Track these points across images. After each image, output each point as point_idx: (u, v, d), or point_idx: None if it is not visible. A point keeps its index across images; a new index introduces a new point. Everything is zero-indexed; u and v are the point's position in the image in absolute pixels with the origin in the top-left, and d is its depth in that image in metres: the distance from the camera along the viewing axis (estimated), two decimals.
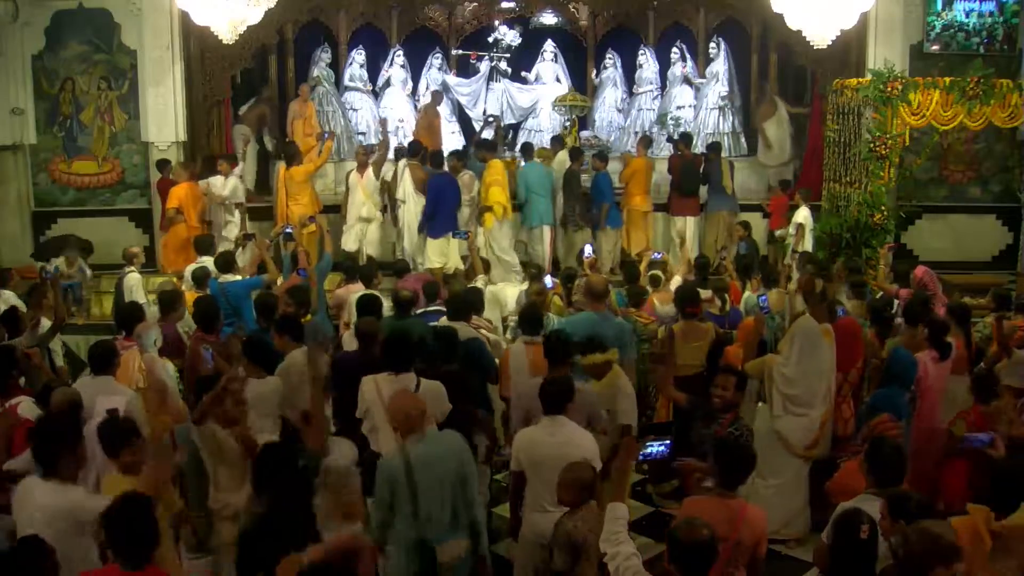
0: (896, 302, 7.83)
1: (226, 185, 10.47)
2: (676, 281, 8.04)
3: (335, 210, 11.45)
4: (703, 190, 11.39)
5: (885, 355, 6.28)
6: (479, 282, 7.79)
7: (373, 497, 4.97)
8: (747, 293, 8.07)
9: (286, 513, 3.66)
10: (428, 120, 12.61)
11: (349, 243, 10.61)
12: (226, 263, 8.24)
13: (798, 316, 6.30)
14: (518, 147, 12.78)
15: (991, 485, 4.19)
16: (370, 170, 10.50)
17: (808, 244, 10.43)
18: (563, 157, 11.28)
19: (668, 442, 3.85)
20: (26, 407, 5.08)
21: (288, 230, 9.10)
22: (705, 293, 7.48)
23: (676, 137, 11.99)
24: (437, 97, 13.19)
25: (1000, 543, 3.76)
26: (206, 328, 6.41)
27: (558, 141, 11.87)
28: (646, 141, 11.79)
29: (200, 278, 7.93)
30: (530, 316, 6.10)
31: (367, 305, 6.40)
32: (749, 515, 3.95)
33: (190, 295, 7.67)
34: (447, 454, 4.29)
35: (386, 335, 5.51)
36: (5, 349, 5.79)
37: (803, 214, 10.55)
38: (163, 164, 10.91)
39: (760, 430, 5.62)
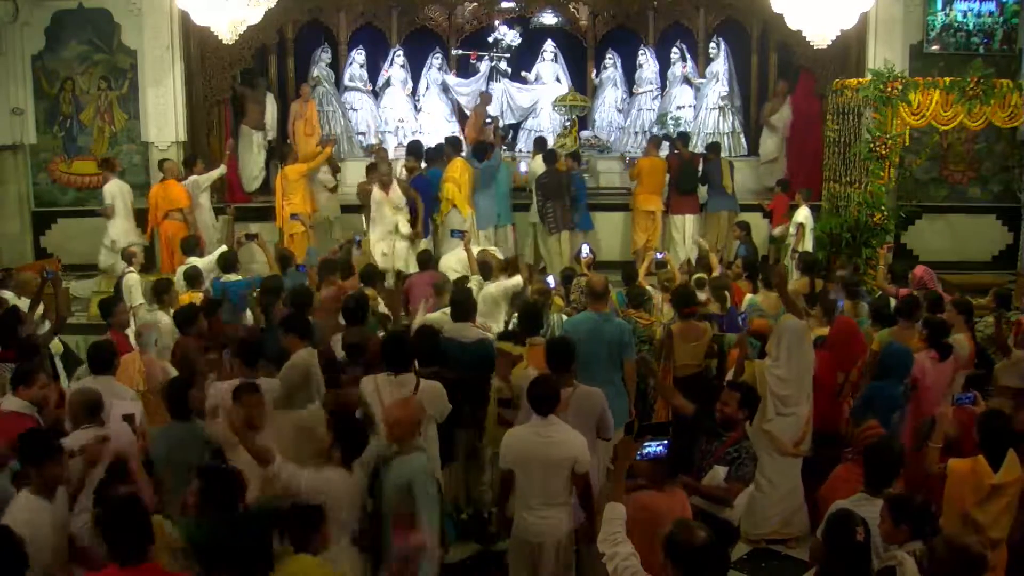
0: (895, 302, 7.84)
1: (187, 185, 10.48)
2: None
3: None
4: (703, 190, 11.39)
5: (876, 347, 6.28)
6: (473, 283, 7.75)
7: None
8: (749, 296, 8.05)
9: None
10: (478, 121, 12.71)
11: (377, 258, 10.21)
12: (228, 263, 8.25)
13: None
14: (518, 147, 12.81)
15: (979, 440, 4.56)
16: (395, 185, 10.23)
17: (808, 244, 10.42)
18: (539, 160, 11.13)
19: (666, 442, 3.83)
20: (10, 401, 5.07)
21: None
22: (701, 296, 7.47)
23: (674, 136, 12.00)
24: (486, 98, 13.19)
25: (994, 489, 4.34)
26: (185, 332, 6.45)
27: (540, 144, 11.79)
28: (656, 141, 11.76)
29: (192, 277, 7.92)
30: (530, 316, 6.06)
31: (352, 308, 6.28)
32: (685, 500, 4.14)
33: (186, 296, 7.67)
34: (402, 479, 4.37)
35: (385, 336, 5.51)
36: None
37: (803, 214, 10.55)
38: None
39: (751, 433, 5.61)
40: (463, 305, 6.27)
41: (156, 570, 3.40)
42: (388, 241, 10.25)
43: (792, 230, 10.62)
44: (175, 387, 4.94)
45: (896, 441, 4.71)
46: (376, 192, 10.17)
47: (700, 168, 11.31)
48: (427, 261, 8.71)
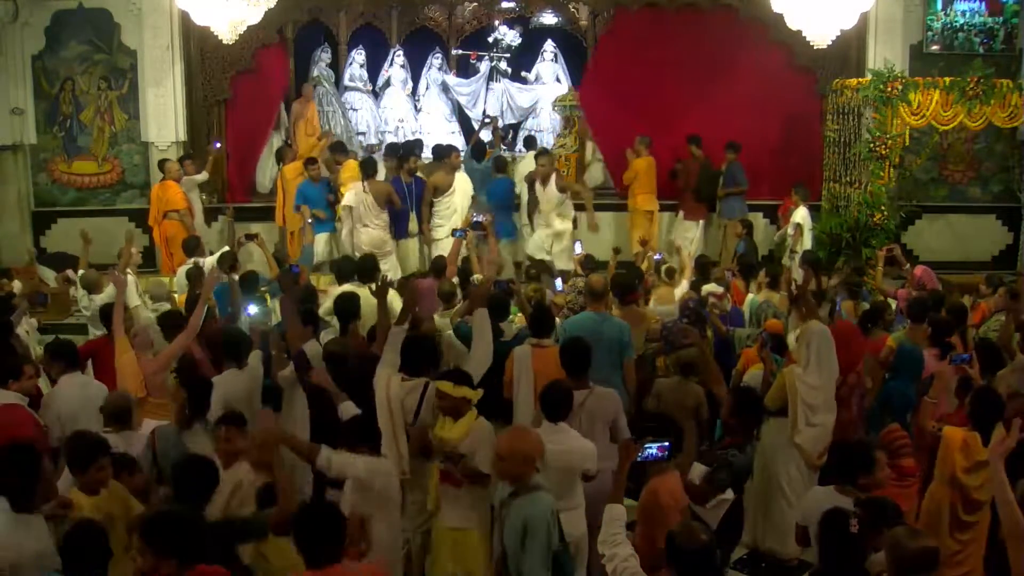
0: (895, 303, 7.84)
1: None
2: (684, 287, 7.91)
3: None
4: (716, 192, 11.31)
5: (892, 343, 6.29)
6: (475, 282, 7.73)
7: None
8: (750, 296, 8.04)
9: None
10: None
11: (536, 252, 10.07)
12: (226, 264, 8.22)
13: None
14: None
15: (969, 409, 4.81)
16: (553, 179, 10.01)
17: (808, 244, 10.40)
18: (531, 158, 10.99)
19: (667, 444, 3.84)
20: (1, 395, 5.08)
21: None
22: (717, 289, 7.46)
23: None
24: None
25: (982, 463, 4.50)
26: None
27: (530, 143, 11.69)
28: (647, 141, 11.70)
29: (195, 278, 7.91)
30: (540, 318, 5.91)
31: (346, 305, 6.25)
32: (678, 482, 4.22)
33: (185, 297, 7.66)
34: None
35: (407, 338, 5.43)
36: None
37: (801, 214, 10.50)
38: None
39: (773, 445, 5.53)
40: (498, 306, 6.18)
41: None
42: (548, 240, 10.03)
43: (790, 231, 10.60)
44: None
45: (868, 440, 4.74)
46: (537, 187, 9.97)
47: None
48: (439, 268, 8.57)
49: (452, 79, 14.23)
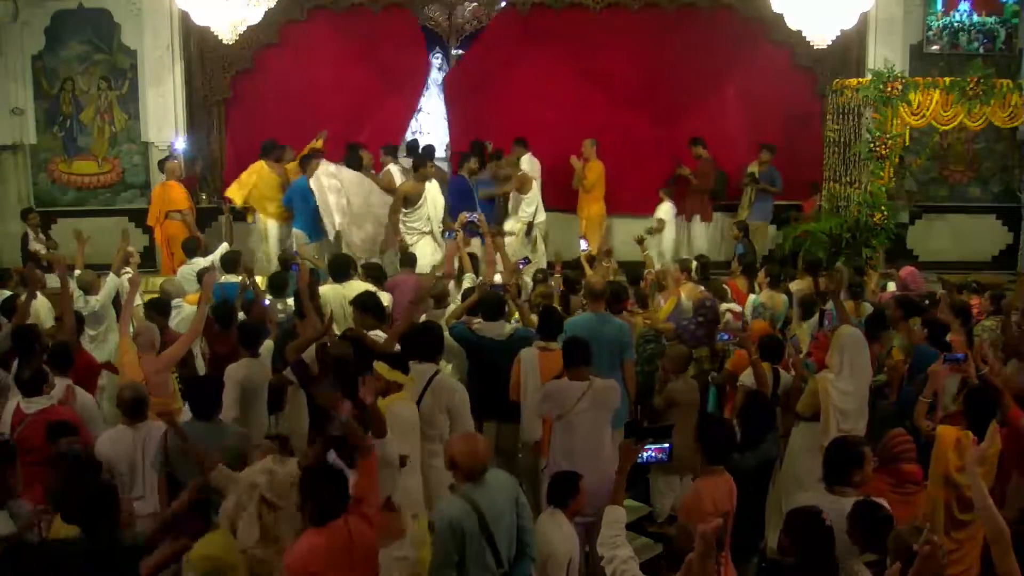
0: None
1: None
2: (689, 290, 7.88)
3: None
4: (746, 194, 11.31)
5: (897, 355, 6.27)
6: (466, 281, 7.73)
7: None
8: (752, 296, 8.04)
9: None
10: None
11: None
12: (229, 263, 8.21)
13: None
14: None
15: (964, 408, 4.88)
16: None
17: (668, 240, 10.41)
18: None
19: (667, 445, 3.82)
20: (34, 402, 5.08)
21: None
22: (736, 308, 7.42)
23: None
24: None
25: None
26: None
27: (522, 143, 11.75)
28: (596, 144, 11.22)
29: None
30: (548, 320, 5.89)
31: (367, 303, 6.25)
32: (733, 486, 4.25)
33: (194, 297, 7.65)
34: (504, 488, 4.05)
35: (414, 326, 5.46)
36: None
37: (664, 208, 10.55)
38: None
39: (800, 448, 5.49)
40: (494, 306, 6.21)
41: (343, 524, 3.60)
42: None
43: (654, 223, 10.63)
44: (200, 387, 4.98)
45: (854, 437, 4.72)
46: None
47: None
48: (411, 262, 8.57)
49: None
